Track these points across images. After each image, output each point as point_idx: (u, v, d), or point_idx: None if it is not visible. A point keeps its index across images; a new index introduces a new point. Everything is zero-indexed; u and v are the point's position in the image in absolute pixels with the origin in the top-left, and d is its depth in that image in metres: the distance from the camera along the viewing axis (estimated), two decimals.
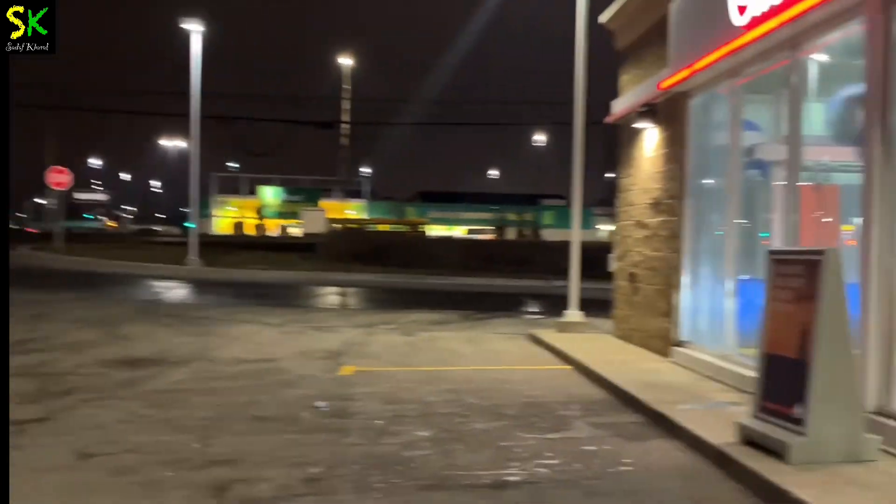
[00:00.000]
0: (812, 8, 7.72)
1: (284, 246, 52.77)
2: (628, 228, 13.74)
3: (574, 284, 15.73)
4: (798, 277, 6.75)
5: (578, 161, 15.98)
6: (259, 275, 32.99)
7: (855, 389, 6.43)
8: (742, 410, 8.19)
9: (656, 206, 12.43)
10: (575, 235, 16.05)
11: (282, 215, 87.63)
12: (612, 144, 32.01)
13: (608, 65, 15.37)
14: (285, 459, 6.91)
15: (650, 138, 12.84)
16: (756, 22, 8.77)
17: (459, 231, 77.99)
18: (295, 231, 76.99)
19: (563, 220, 63.40)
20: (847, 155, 10.46)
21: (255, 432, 7.85)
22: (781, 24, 8.32)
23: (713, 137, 11.33)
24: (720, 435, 7.24)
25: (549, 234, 61.77)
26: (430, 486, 6.35)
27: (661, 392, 9.37)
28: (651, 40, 12.76)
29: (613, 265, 14.51)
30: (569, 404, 9.34)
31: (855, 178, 11.74)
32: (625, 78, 14.29)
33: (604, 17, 14.70)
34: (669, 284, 11.77)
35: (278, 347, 13.41)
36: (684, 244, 11.52)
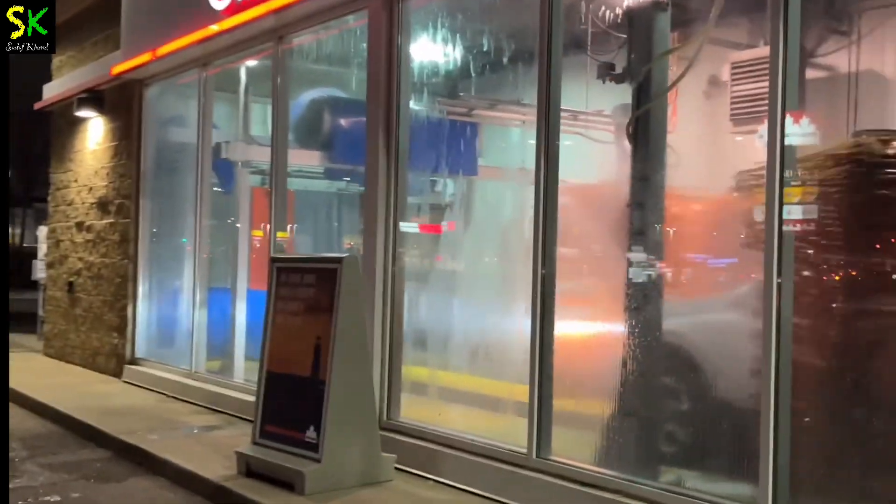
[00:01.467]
0: None
1: None
2: (66, 231, 12.04)
3: None
4: (310, 288, 6.15)
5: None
6: None
7: (372, 407, 6.01)
8: (228, 435, 7.44)
9: (104, 205, 11.02)
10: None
11: None
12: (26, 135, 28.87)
13: None
14: None
15: (95, 129, 11.37)
16: (237, 7, 8.06)
17: None
18: None
19: None
20: (310, 159, 10.32)
21: None
22: (268, 13, 7.72)
23: (177, 132, 10.36)
24: (214, 467, 6.35)
25: None
26: None
27: (126, 419, 8.13)
28: (96, 17, 11.33)
29: (43, 273, 12.65)
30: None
31: (314, 185, 11.75)
32: (61, 59, 12.54)
33: None
34: (122, 295, 10.47)
35: None
36: (141, 250, 10.34)
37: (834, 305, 4.50)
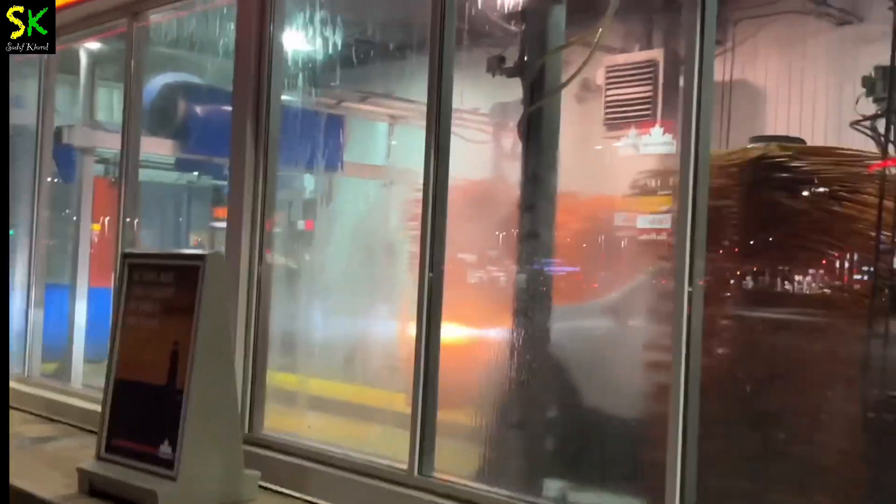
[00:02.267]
0: None
1: None
2: None
3: None
4: (167, 287, 5.59)
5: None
6: None
7: (236, 419, 5.51)
8: (66, 447, 6.77)
9: None
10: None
11: None
12: None
13: None
14: None
15: None
16: None
17: None
18: None
19: None
20: (159, 148, 9.75)
21: None
22: None
23: (12, 114, 9.47)
24: (52, 485, 5.70)
25: None
26: None
27: None
28: None
29: None
30: None
31: (161, 176, 11.08)
32: None
33: None
34: None
35: None
36: None
37: (738, 313, 4.39)
